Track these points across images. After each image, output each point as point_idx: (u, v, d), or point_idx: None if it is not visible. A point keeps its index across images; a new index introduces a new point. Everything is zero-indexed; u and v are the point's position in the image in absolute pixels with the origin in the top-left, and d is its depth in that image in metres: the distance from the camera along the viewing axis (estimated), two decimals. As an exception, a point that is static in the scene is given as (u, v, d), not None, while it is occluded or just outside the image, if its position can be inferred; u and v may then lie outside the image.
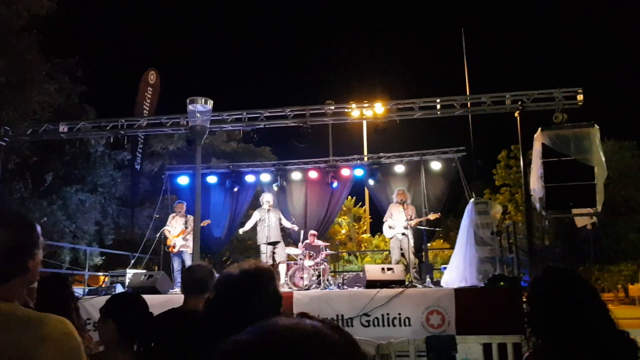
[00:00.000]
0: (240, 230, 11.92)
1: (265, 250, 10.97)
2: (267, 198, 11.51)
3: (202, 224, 11.39)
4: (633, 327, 12.10)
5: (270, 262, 10.87)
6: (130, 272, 10.75)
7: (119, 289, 9.94)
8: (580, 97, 9.90)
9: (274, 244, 11.02)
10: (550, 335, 2.05)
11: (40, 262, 1.76)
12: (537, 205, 9.61)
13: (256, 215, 11.39)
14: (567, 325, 1.99)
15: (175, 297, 8.29)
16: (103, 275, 13.25)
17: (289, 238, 13.26)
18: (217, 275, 3.04)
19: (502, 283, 8.81)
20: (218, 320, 1.75)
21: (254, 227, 11.44)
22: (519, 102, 10.07)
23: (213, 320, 1.77)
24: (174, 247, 11.24)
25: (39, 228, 1.76)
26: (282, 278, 10.88)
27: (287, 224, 11.64)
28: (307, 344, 0.76)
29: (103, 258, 18.35)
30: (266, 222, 11.13)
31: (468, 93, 12.22)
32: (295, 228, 11.80)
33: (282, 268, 11.05)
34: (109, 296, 3.18)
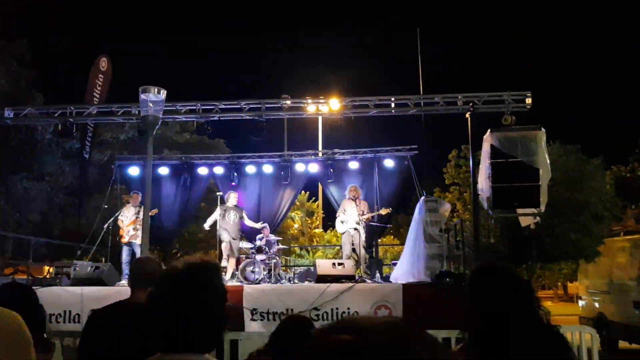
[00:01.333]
0: (205, 226, 11.82)
1: (227, 246, 11.06)
2: (231, 196, 11.64)
3: (150, 213, 11.27)
4: (571, 323, 12.60)
5: (235, 256, 10.95)
6: (76, 264, 10.51)
7: (65, 281, 9.72)
8: (528, 100, 10.22)
9: (235, 239, 11.12)
10: (478, 329, 2.13)
11: None
12: (485, 205, 9.87)
13: (218, 211, 11.36)
14: (494, 320, 2.06)
15: (122, 290, 8.12)
16: (48, 266, 12.91)
17: (242, 232, 13.22)
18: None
19: (448, 279, 9.05)
20: (162, 314, 1.74)
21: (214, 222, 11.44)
22: (471, 104, 10.31)
23: (157, 315, 1.76)
24: (124, 237, 11.07)
25: None
26: (229, 272, 10.87)
27: (251, 223, 11.70)
28: (407, 342, 0.77)
29: (48, 249, 17.84)
30: (226, 218, 11.22)
31: (422, 93, 12.40)
32: (259, 226, 11.74)
33: (231, 262, 11.03)
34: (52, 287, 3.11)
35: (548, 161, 9.49)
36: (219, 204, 11.49)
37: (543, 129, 9.53)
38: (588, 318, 13.14)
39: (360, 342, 0.75)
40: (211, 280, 1.83)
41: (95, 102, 13.58)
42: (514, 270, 2.40)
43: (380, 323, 0.79)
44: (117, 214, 11.50)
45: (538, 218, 10.07)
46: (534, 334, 2.05)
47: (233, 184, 13.15)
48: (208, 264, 1.88)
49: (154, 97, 8.06)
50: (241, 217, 11.47)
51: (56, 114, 11.42)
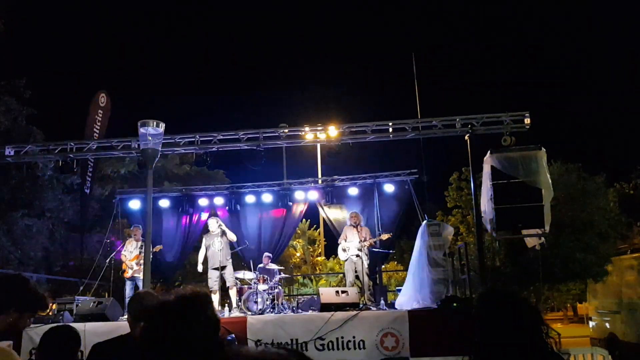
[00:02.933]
0: (199, 266, 11.34)
1: (211, 275, 10.85)
2: (210, 223, 11.38)
3: (154, 250, 11.19)
4: (582, 344, 12.40)
5: (216, 287, 10.70)
6: (79, 299, 10.42)
7: (67, 317, 9.61)
8: (527, 120, 10.21)
9: (220, 268, 10.77)
10: (482, 353, 2.08)
11: None
12: (488, 227, 9.79)
13: (204, 242, 11.23)
14: (497, 344, 2.02)
15: (125, 324, 8.03)
16: (50, 303, 12.80)
17: (243, 262, 13.12)
18: None
19: (455, 304, 8.91)
20: (155, 347, 1.71)
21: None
22: (469, 126, 10.31)
23: (150, 347, 1.74)
24: (127, 272, 10.99)
25: None
26: (234, 302, 10.72)
27: (231, 236, 11.25)
28: None
29: (50, 285, 17.72)
30: (211, 247, 11.00)
31: (419, 116, 12.42)
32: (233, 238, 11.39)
33: (232, 293, 10.86)
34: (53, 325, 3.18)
35: (550, 180, 9.44)
36: (203, 239, 11.31)
37: (543, 149, 9.50)
38: (599, 339, 12.92)
39: None
40: (203, 310, 1.82)
41: (95, 137, 13.66)
42: (520, 294, 2.36)
43: (256, 355, 0.77)
44: (119, 248, 11.45)
45: (543, 239, 9.97)
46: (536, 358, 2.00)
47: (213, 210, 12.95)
48: (199, 294, 1.88)
49: (152, 130, 8.05)
50: (227, 241, 11.08)
51: (56, 150, 11.43)
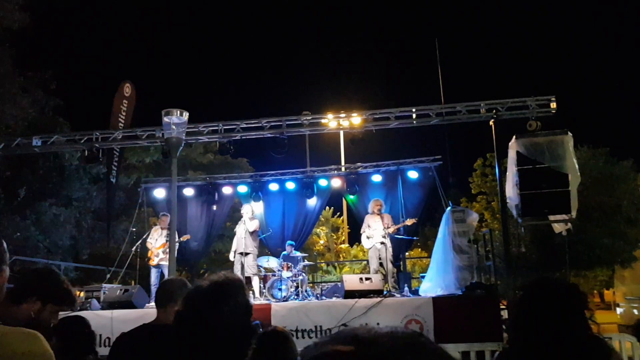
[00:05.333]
0: (231, 253, 11.40)
1: (235, 260, 11.06)
2: (243, 209, 11.52)
3: (182, 239, 11.31)
4: (610, 331, 12.26)
5: (239, 273, 10.80)
6: (106, 287, 10.59)
7: (94, 304, 9.79)
8: (553, 105, 10.03)
9: (243, 254, 10.93)
10: (526, 340, 2.07)
11: (7, 278, 1.71)
12: (514, 213, 9.69)
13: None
14: (544, 332, 2.01)
15: (151, 312, 8.17)
16: (78, 290, 13.03)
17: (267, 249, 13.20)
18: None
19: (479, 291, 8.86)
20: (187, 331, 1.75)
21: None
22: (494, 111, 10.17)
23: (182, 332, 1.77)
24: (153, 259, 11.12)
25: (4, 244, 1.71)
26: (257, 290, 10.79)
27: (251, 230, 11.19)
28: (411, 352, 0.72)
29: (78, 273, 18.04)
30: (237, 233, 11.17)
31: (443, 102, 12.30)
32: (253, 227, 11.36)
33: (254, 282, 10.92)
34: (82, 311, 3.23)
35: (577, 165, 9.29)
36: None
37: (570, 133, 9.34)
38: (627, 326, 12.76)
39: (362, 352, 0.71)
40: (234, 296, 1.86)
41: (120, 127, 13.76)
42: (567, 281, 2.34)
43: (381, 334, 0.74)
44: (145, 236, 11.59)
45: (569, 224, 9.84)
46: (583, 346, 1.98)
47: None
48: (231, 280, 1.92)
49: (176, 119, 8.10)
50: (253, 231, 11.16)
51: (82, 140, 11.58)
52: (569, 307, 2.08)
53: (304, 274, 11.03)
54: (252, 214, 11.49)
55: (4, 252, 1.69)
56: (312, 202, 13.39)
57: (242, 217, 11.40)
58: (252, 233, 11.15)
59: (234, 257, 11.09)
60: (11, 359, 1.44)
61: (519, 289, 2.37)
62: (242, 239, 10.99)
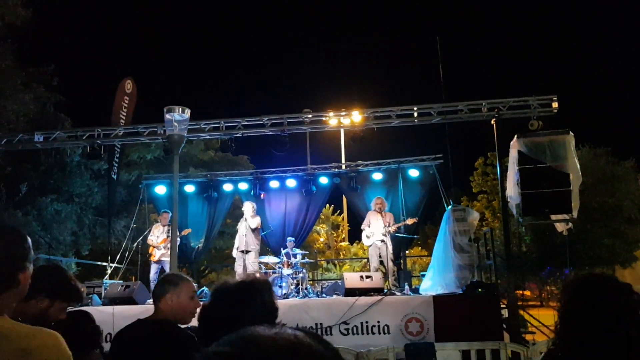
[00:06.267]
0: (234, 250, 11.48)
1: (236, 257, 11.11)
2: (244, 207, 11.55)
3: (183, 233, 11.36)
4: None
5: (240, 270, 10.86)
6: (107, 283, 10.61)
7: (96, 299, 9.81)
8: (555, 104, 10.02)
9: (244, 252, 11.00)
10: (580, 339, 2.03)
11: (30, 275, 1.71)
12: (514, 212, 9.70)
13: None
14: (596, 330, 1.98)
15: (152, 308, 8.19)
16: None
17: (268, 247, 13.20)
18: (186, 280, 3.05)
19: (480, 290, 8.88)
20: (211, 327, 1.80)
21: None
22: (495, 110, 10.16)
23: (206, 327, 1.82)
24: (154, 255, 11.16)
25: (29, 241, 1.72)
26: None
27: (252, 227, 11.22)
28: (290, 354, 0.74)
29: (79, 269, 18.08)
30: (238, 231, 11.26)
31: (444, 101, 12.30)
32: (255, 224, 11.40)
33: None
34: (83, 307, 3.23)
35: (578, 165, 9.30)
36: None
37: (571, 133, 9.34)
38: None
39: (238, 354, 0.73)
40: (260, 296, 1.91)
41: (121, 124, 13.78)
42: (615, 277, 2.28)
43: (266, 335, 0.76)
44: (146, 233, 11.62)
45: (570, 224, 9.84)
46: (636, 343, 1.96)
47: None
48: (258, 280, 1.99)
49: (178, 116, 8.09)
50: (255, 228, 11.17)
51: (84, 136, 11.58)
52: (626, 308, 2.03)
53: (304, 271, 11.06)
54: (254, 211, 11.50)
55: (29, 250, 1.70)
56: (313, 199, 13.40)
57: (242, 214, 11.42)
58: (254, 230, 11.18)
59: (236, 254, 11.14)
60: (40, 356, 1.48)
61: (567, 284, 2.30)
62: (243, 237, 11.03)
